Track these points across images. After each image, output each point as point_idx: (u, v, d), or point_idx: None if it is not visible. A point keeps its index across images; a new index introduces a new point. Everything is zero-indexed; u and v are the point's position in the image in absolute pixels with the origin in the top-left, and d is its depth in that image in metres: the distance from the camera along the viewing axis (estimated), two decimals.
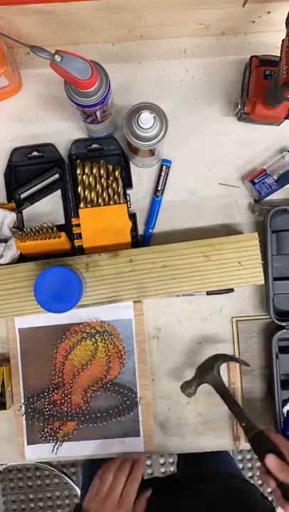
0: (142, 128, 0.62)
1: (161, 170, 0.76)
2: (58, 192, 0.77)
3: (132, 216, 0.76)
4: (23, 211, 0.76)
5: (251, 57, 0.73)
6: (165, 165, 0.76)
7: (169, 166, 0.77)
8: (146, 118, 0.61)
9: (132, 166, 0.76)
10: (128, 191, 0.76)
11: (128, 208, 0.74)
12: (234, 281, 0.72)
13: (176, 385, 0.77)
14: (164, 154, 0.77)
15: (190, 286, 0.71)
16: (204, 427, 0.78)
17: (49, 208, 0.77)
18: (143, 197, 0.78)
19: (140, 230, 0.78)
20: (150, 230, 0.77)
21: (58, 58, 0.52)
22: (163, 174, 0.76)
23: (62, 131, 0.77)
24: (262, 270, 0.72)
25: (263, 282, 0.72)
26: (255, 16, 0.72)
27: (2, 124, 0.77)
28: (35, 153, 0.76)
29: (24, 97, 0.77)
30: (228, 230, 0.77)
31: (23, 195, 0.76)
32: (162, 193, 0.77)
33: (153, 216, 0.77)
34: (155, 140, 0.64)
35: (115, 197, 0.73)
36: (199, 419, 0.77)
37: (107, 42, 0.77)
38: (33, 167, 0.75)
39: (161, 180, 0.76)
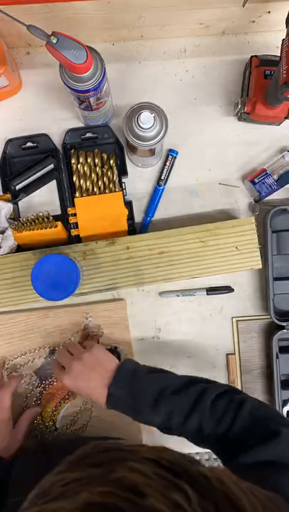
0: (142, 128, 0.62)
1: (166, 159, 0.76)
2: (54, 182, 0.77)
3: (128, 204, 0.76)
4: (19, 202, 0.76)
5: (251, 57, 0.72)
6: (171, 155, 0.76)
7: (175, 157, 0.76)
8: (146, 118, 0.61)
9: (128, 161, 0.76)
10: (124, 179, 0.76)
11: (124, 196, 0.73)
12: (232, 265, 0.72)
13: None
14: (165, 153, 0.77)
15: (188, 272, 0.72)
16: None
17: (45, 198, 0.77)
18: (142, 197, 0.78)
19: (137, 219, 0.77)
20: (148, 218, 0.77)
21: (53, 40, 0.52)
22: (168, 164, 0.76)
23: (62, 130, 0.77)
24: (259, 254, 0.72)
25: (260, 266, 0.72)
26: (256, 15, 0.71)
27: (2, 123, 0.77)
28: (29, 144, 0.75)
29: (24, 97, 0.77)
30: None
31: (18, 187, 0.76)
32: (165, 183, 0.76)
33: (153, 204, 0.76)
34: (155, 140, 0.64)
35: (110, 185, 0.73)
36: None
37: (107, 42, 0.77)
38: (28, 158, 0.75)
39: (165, 169, 0.76)
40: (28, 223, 0.68)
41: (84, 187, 0.73)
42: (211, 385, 0.58)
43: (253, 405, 0.55)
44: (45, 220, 0.68)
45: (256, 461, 0.49)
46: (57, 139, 0.76)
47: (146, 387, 0.58)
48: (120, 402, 0.59)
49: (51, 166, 0.76)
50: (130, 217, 0.76)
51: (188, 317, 0.77)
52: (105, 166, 0.74)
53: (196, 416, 0.55)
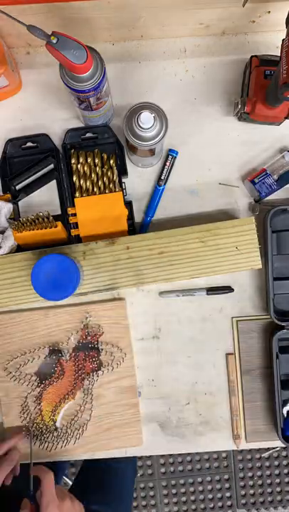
0: (142, 128, 0.62)
1: (166, 159, 0.76)
2: (54, 182, 0.77)
3: (128, 204, 0.76)
4: (19, 202, 0.76)
5: (251, 57, 0.73)
6: (171, 155, 0.76)
7: (175, 157, 0.76)
8: (146, 118, 0.61)
9: (128, 161, 0.76)
10: (124, 179, 0.76)
11: (124, 196, 0.73)
12: (232, 265, 0.72)
13: (177, 385, 0.77)
14: (165, 153, 0.77)
15: (188, 272, 0.72)
16: (204, 427, 0.78)
17: (45, 198, 0.77)
18: (142, 197, 0.78)
19: (137, 219, 0.77)
20: (148, 218, 0.77)
21: (53, 40, 0.52)
22: (168, 164, 0.76)
23: (62, 130, 0.77)
24: (259, 254, 0.72)
25: (260, 266, 0.72)
26: (256, 15, 0.72)
27: (2, 123, 0.77)
28: (29, 144, 0.76)
29: (24, 97, 0.77)
30: None
31: (18, 187, 0.76)
32: (165, 183, 0.76)
33: (153, 204, 0.76)
34: (155, 140, 0.64)
35: (110, 185, 0.73)
36: (199, 419, 0.77)
37: (107, 42, 0.77)
38: (28, 158, 0.75)
39: (165, 169, 0.76)
40: (28, 223, 0.68)
41: (84, 187, 0.73)
42: None
43: None
44: (45, 220, 0.68)
45: None
46: (57, 139, 0.76)
47: None
48: None
49: (51, 166, 0.76)
50: (130, 217, 0.76)
51: (188, 317, 0.77)
52: (105, 166, 0.74)
53: None
